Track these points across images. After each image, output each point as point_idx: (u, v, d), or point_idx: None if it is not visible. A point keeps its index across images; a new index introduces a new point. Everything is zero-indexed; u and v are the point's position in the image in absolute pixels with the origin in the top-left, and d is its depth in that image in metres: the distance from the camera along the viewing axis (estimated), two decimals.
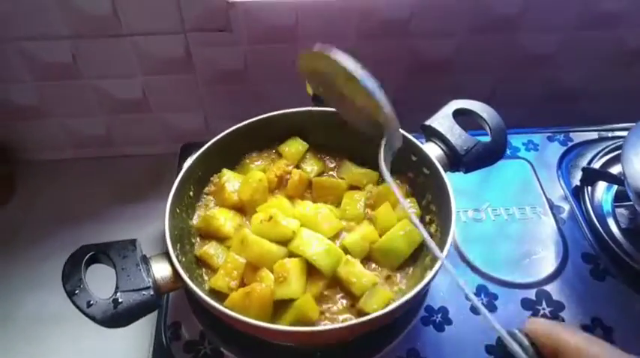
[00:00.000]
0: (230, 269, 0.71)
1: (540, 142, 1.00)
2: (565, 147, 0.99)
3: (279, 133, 0.86)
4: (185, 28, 0.94)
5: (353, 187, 0.82)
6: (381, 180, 0.81)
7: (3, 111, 1.04)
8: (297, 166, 0.84)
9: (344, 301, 0.70)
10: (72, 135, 1.12)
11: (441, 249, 0.62)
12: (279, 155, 0.85)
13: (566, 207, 0.91)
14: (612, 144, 0.97)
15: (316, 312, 0.68)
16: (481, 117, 0.78)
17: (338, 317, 0.69)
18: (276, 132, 0.85)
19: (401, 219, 0.75)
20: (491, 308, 0.78)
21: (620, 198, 0.90)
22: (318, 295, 0.70)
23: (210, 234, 0.77)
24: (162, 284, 0.66)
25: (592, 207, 0.89)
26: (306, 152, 0.85)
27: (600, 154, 0.96)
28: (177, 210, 0.75)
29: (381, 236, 0.74)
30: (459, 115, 0.78)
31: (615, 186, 0.91)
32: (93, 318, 0.61)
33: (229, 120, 0.81)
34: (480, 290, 0.80)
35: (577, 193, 0.92)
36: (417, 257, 0.74)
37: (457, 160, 0.76)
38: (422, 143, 0.77)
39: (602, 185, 0.93)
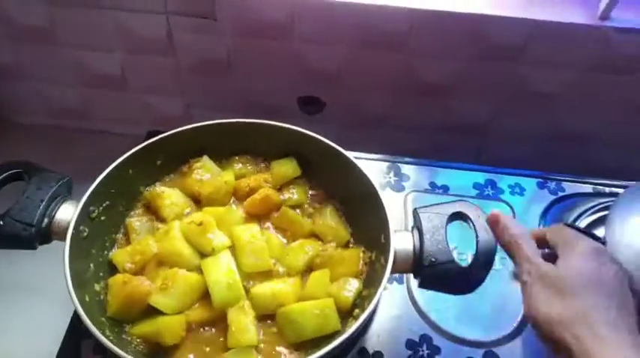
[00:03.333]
0: (137, 251, 0.65)
1: (528, 187, 0.87)
2: (554, 197, 0.86)
3: (283, 148, 0.76)
4: (168, 9, 0.85)
5: (316, 235, 0.71)
6: (352, 245, 0.71)
7: None
8: (280, 188, 0.74)
9: (220, 341, 0.61)
10: (47, 102, 1.04)
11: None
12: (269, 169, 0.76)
13: None
14: (606, 201, 0.82)
15: (174, 338, 0.60)
16: (476, 235, 0.59)
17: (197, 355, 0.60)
18: (280, 144, 0.75)
19: (332, 296, 0.63)
20: None
21: None
22: (196, 322, 0.62)
23: (151, 210, 0.71)
24: (57, 229, 0.61)
25: None
26: (297, 178, 0.75)
27: (591, 211, 0.82)
28: (130, 171, 0.69)
29: (298, 301, 0.63)
30: (457, 219, 0.62)
31: None
32: None
33: (211, 111, 0.74)
34: (422, 341, 0.69)
35: None
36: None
37: (418, 268, 0.60)
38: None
39: None
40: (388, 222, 0.63)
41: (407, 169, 0.89)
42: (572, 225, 0.78)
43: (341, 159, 0.71)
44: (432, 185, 0.87)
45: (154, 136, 0.72)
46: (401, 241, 0.62)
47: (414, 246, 0.61)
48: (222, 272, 0.63)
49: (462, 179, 0.88)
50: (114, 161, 0.68)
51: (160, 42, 0.91)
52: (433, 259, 0.59)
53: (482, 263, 0.58)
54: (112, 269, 0.66)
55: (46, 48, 0.94)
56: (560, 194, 0.88)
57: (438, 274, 0.59)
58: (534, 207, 0.85)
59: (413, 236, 0.62)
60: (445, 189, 0.87)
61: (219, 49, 0.92)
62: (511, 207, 0.85)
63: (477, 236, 0.59)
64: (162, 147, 0.72)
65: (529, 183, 0.89)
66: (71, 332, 0.69)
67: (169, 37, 0.90)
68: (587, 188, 0.89)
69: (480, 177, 0.89)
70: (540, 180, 0.89)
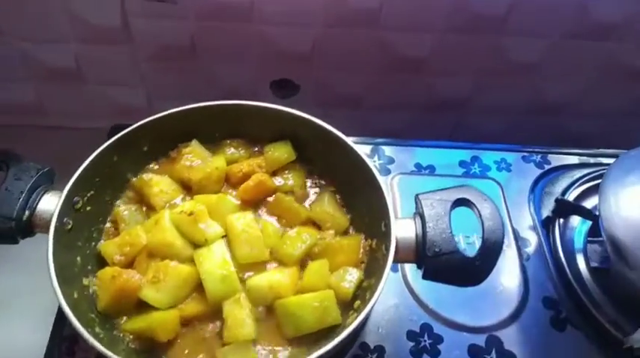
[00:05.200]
0: (126, 242, 0.61)
1: (514, 162, 0.84)
2: (541, 171, 0.83)
3: (278, 131, 0.71)
4: None
5: (314, 223, 0.66)
6: (352, 233, 0.66)
7: None
8: (274, 173, 0.69)
9: (217, 336, 0.58)
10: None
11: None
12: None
13: (534, 239, 0.75)
14: (594, 171, 0.81)
15: (168, 334, 0.56)
16: (481, 222, 0.55)
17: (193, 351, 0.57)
18: (274, 128, 0.70)
19: (332, 288, 0.59)
20: (434, 353, 0.64)
21: (595, 232, 0.74)
22: (191, 317, 0.58)
23: (140, 199, 0.67)
24: (39, 221, 0.58)
25: (562, 242, 0.74)
26: (292, 163, 0.70)
27: (579, 182, 0.80)
28: (115, 158, 0.65)
29: (297, 293, 0.59)
30: (461, 205, 0.58)
31: None
32: None
33: (176, 101, 0.69)
34: (424, 330, 0.66)
35: (547, 225, 0.76)
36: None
37: (421, 258, 0.56)
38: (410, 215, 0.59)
39: (577, 217, 0.77)
40: (388, 208, 0.59)
41: (390, 151, 0.85)
42: (563, 200, 0.77)
43: (337, 142, 0.66)
44: (418, 166, 0.83)
45: (118, 131, 0.66)
46: (403, 229, 0.58)
47: (416, 234, 0.57)
48: (216, 264, 0.59)
49: (447, 157, 0.85)
50: (92, 151, 0.63)
51: (116, 29, 0.84)
52: (437, 249, 0.55)
53: (490, 252, 0.55)
54: (101, 261, 0.62)
55: None
56: (547, 167, 0.85)
57: (443, 265, 0.54)
58: (522, 182, 0.83)
59: (415, 224, 0.58)
60: (432, 170, 0.83)
61: (182, 35, 0.85)
62: (499, 184, 0.82)
63: (482, 224, 0.55)
64: (148, 132, 0.67)
65: (514, 158, 0.86)
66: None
67: (125, 23, 0.83)
68: (573, 159, 0.87)
69: (465, 154, 0.85)
70: (525, 153, 0.87)
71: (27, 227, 0.58)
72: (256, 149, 0.72)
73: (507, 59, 0.91)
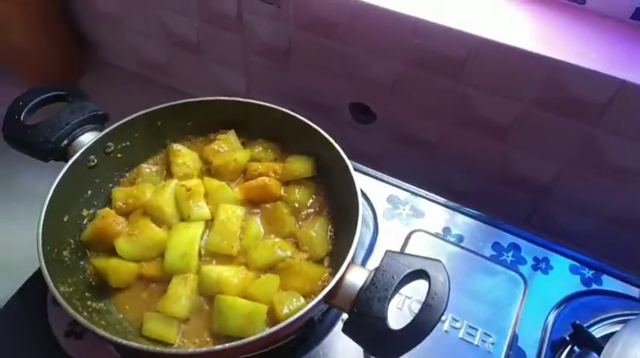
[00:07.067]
0: (132, 194, 0.68)
1: (558, 267, 0.73)
2: (585, 288, 0.71)
3: (309, 147, 0.73)
4: None
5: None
6: (325, 264, 0.66)
7: (90, 14, 1.12)
8: (288, 183, 0.72)
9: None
10: (135, 51, 1.12)
11: None
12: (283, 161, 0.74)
13: (531, 355, 0.66)
14: None
15: (118, 283, 0.61)
16: (425, 302, 0.52)
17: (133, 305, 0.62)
18: (307, 143, 0.72)
19: (272, 305, 0.59)
20: None
21: None
22: (147, 276, 0.63)
23: (167, 164, 0.73)
24: (72, 152, 0.67)
25: None
26: (308, 180, 0.72)
27: (621, 318, 0.68)
28: (159, 123, 0.73)
29: (240, 296, 0.60)
30: (421, 278, 0.55)
31: None
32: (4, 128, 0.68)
33: (268, 97, 0.77)
34: None
35: (557, 347, 0.66)
36: None
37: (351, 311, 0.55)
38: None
39: None
40: (349, 250, 0.58)
41: (425, 205, 0.80)
42: (580, 325, 0.66)
43: (346, 173, 0.66)
44: (446, 231, 0.77)
45: None
46: (355, 276, 0.56)
47: (362, 286, 0.55)
48: (183, 240, 0.63)
49: (484, 234, 0.77)
50: None
51: (231, 19, 0.93)
52: (367, 309, 0.53)
53: (415, 333, 0.51)
54: (110, 202, 0.69)
55: (135, 1, 0.99)
56: (595, 287, 0.73)
57: (362, 325, 0.52)
58: (554, 292, 0.72)
59: (369, 276, 0.56)
60: (459, 240, 0.77)
61: (281, 37, 0.90)
62: (525, 282, 0.73)
63: (425, 303, 0.52)
64: (194, 110, 0.74)
65: (560, 263, 0.75)
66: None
67: (239, 16, 0.91)
68: (633, 291, 0.73)
69: (504, 237, 0.77)
70: (576, 263, 0.75)
71: (61, 152, 0.67)
72: (282, 155, 0.75)
73: (602, 157, 0.79)
